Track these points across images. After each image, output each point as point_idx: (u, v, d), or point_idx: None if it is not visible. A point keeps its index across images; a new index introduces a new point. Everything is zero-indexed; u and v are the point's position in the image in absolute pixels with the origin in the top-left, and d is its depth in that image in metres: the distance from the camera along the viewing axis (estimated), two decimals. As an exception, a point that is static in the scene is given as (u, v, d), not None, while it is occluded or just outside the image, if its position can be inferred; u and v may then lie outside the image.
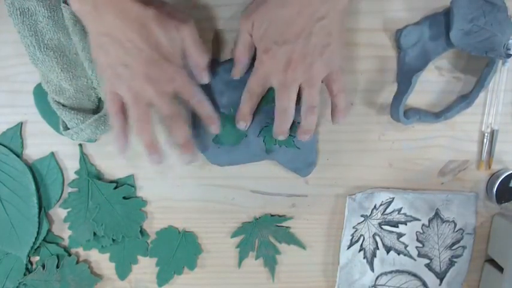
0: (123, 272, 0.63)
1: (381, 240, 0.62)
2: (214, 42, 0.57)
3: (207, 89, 0.55)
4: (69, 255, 0.62)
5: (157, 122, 0.54)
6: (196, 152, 0.53)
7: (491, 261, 0.62)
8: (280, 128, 0.53)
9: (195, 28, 0.49)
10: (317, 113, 0.51)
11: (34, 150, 0.60)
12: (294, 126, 0.56)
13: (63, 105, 0.55)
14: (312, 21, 0.45)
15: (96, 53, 0.47)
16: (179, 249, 0.63)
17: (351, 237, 0.62)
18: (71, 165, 0.60)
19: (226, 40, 0.57)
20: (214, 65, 0.56)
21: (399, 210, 0.61)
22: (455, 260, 0.63)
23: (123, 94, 0.48)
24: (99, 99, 0.57)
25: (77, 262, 0.62)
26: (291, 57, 0.47)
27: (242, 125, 0.55)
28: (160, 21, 0.46)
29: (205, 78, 0.53)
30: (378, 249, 0.63)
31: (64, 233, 0.62)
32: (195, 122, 0.56)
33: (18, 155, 0.59)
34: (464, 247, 0.62)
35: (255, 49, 0.51)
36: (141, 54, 0.45)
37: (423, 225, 0.62)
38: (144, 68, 0.46)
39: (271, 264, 0.63)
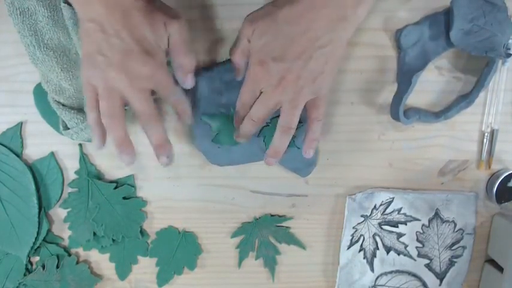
0: (123, 272, 0.63)
1: (381, 240, 0.62)
2: (214, 42, 0.57)
3: (206, 88, 0.56)
4: (69, 255, 0.62)
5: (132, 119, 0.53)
6: (172, 154, 0.50)
7: (491, 261, 0.62)
8: (244, 129, 0.52)
9: (184, 27, 0.47)
10: (292, 134, 0.51)
11: (34, 150, 0.60)
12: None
13: (63, 105, 0.55)
14: (315, 46, 0.45)
15: (82, 42, 0.46)
16: (179, 249, 0.63)
17: (351, 237, 0.62)
18: (71, 165, 0.60)
19: (226, 40, 0.57)
20: (213, 65, 0.56)
21: (399, 210, 0.61)
22: (455, 260, 0.63)
23: (97, 85, 0.46)
24: (99, 99, 0.57)
25: (77, 262, 0.62)
26: (284, 76, 0.46)
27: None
28: (148, 14, 0.44)
29: (188, 82, 0.50)
30: (378, 249, 0.63)
31: (64, 233, 0.62)
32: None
33: (18, 155, 0.59)
34: (464, 247, 0.62)
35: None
36: (120, 44, 0.44)
37: (423, 225, 0.62)
38: (121, 59, 0.44)
39: (271, 264, 0.63)
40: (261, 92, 0.49)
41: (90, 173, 0.60)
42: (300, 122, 0.54)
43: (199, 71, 0.56)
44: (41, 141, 0.60)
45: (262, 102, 0.49)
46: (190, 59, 0.49)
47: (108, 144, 0.59)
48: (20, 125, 0.59)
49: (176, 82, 0.49)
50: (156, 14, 0.45)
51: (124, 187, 0.60)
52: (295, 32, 0.44)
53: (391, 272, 0.64)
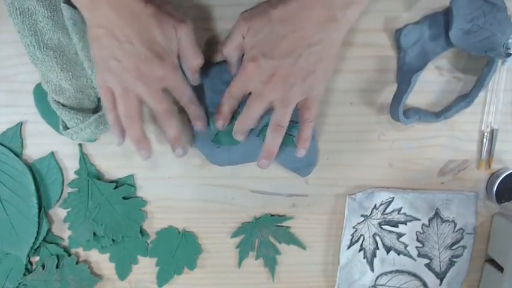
0: (123, 272, 0.63)
1: (381, 240, 0.62)
2: (213, 43, 0.57)
3: (206, 88, 0.56)
4: (69, 255, 0.62)
5: (148, 116, 0.56)
6: (186, 145, 0.54)
7: (491, 261, 0.62)
8: (239, 127, 0.54)
9: (192, 29, 0.49)
10: (283, 133, 0.52)
11: (34, 150, 0.60)
12: (293, 126, 0.56)
13: (63, 105, 0.55)
14: (304, 44, 0.46)
15: (92, 46, 0.48)
16: (179, 249, 0.62)
17: (351, 237, 0.62)
18: (70, 165, 0.60)
19: (226, 40, 0.57)
20: (212, 65, 0.56)
21: (399, 210, 0.61)
22: (455, 259, 0.63)
23: (114, 88, 0.48)
24: (99, 99, 0.57)
25: (77, 262, 0.62)
26: (274, 73, 0.47)
27: (220, 124, 0.55)
28: (158, 19, 0.46)
29: (196, 80, 0.53)
30: (378, 249, 0.63)
31: (64, 233, 0.62)
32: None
33: (18, 155, 0.59)
34: (464, 247, 0.62)
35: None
36: (133, 50, 0.45)
37: (423, 225, 0.62)
38: (135, 64, 0.46)
39: (271, 264, 0.63)
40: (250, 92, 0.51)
41: (90, 173, 0.60)
42: (298, 122, 0.54)
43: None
44: (41, 141, 0.60)
45: (254, 101, 0.51)
46: (197, 59, 0.51)
47: (108, 144, 0.60)
48: (20, 125, 0.59)
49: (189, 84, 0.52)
50: (166, 18, 0.47)
51: (124, 187, 0.60)
52: (286, 31, 0.46)
53: (391, 272, 0.64)
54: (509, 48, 0.55)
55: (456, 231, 0.62)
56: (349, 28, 0.47)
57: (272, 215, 0.62)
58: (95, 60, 0.48)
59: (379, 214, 0.62)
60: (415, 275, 0.64)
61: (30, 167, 0.60)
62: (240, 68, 0.51)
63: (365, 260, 0.63)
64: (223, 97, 0.53)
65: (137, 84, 0.47)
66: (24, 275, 0.62)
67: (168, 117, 0.50)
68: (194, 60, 0.51)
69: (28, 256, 0.61)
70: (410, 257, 0.63)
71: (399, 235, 0.62)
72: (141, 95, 0.48)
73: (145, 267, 0.63)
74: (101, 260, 0.63)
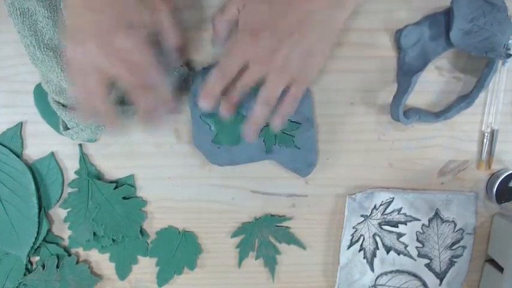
0: (123, 272, 0.63)
1: (381, 240, 0.62)
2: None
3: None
4: (69, 255, 0.62)
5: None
6: (176, 101, 0.51)
7: (491, 261, 0.62)
8: (258, 114, 0.49)
9: (171, 9, 0.47)
10: (272, 107, 0.48)
11: (34, 150, 0.60)
12: (294, 127, 0.56)
13: (63, 105, 0.55)
14: (308, 22, 0.44)
15: (67, 14, 0.46)
16: (179, 249, 0.63)
17: (351, 237, 0.62)
18: (71, 165, 0.60)
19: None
20: (206, 67, 0.56)
21: (399, 210, 0.61)
22: (455, 260, 0.63)
23: (79, 60, 0.45)
24: (99, 99, 0.57)
25: (77, 262, 0.62)
26: (275, 50, 0.44)
27: (204, 104, 0.48)
28: None
29: (177, 62, 0.51)
30: (378, 249, 0.63)
31: (64, 233, 0.62)
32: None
33: (18, 155, 0.59)
34: (464, 247, 0.62)
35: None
36: (101, 19, 0.43)
37: (423, 225, 0.62)
38: (99, 33, 0.44)
39: (271, 264, 0.63)
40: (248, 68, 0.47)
41: (90, 173, 0.60)
42: (298, 122, 0.54)
43: (198, 71, 0.56)
44: (41, 141, 0.60)
45: (249, 74, 0.46)
46: (181, 38, 0.49)
47: (109, 144, 0.60)
48: (20, 125, 0.59)
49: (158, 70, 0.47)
50: None
51: (124, 187, 0.60)
52: (290, 5, 0.43)
53: (391, 272, 0.64)
54: (510, 49, 0.55)
55: (456, 231, 0.62)
56: (353, 9, 0.45)
57: (272, 215, 0.62)
58: (67, 30, 0.46)
59: (379, 214, 0.62)
60: (415, 275, 0.64)
61: (31, 167, 0.60)
62: (233, 44, 0.47)
63: (365, 260, 0.63)
64: (213, 74, 0.47)
65: (103, 56, 0.44)
66: (25, 274, 0.62)
67: (141, 89, 0.46)
68: (176, 38, 0.48)
69: (28, 256, 0.61)
70: (410, 257, 0.63)
71: (399, 235, 0.62)
72: (106, 69, 0.45)
73: (145, 267, 0.63)
74: (101, 260, 0.63)
